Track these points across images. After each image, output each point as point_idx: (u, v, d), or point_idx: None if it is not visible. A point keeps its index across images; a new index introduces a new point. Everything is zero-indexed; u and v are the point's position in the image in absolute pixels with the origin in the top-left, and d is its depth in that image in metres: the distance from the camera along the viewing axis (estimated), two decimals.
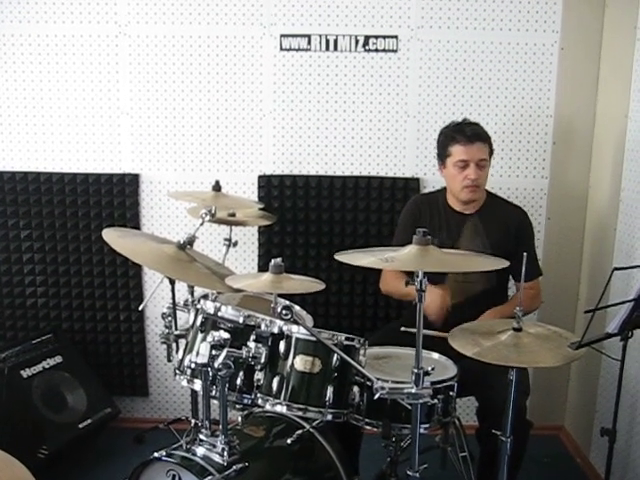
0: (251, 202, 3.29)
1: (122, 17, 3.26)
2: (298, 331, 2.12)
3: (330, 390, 2.10)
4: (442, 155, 2.78)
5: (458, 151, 2.70)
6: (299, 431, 2.29)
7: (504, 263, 2.01)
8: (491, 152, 2.78)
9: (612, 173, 3.07)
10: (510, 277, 2.87)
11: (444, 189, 2.89)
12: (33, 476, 1.53)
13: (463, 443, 2.80)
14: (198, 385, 2.19)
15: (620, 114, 2.95)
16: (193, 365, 2.04)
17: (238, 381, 2.16)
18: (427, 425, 2.14)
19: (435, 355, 2.37)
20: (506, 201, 2.94)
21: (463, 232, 2.80)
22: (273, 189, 3.36)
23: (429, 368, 1.92)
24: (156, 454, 2.07)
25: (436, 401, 2.13)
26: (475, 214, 2.81)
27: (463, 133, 2.71)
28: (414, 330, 1.88)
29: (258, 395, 2.15)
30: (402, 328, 2.40)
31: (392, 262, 1.92)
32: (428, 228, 1.95)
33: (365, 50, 3.26)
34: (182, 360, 2.29)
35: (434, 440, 2.78)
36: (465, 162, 2.69)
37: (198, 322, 2.28)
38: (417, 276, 1.85)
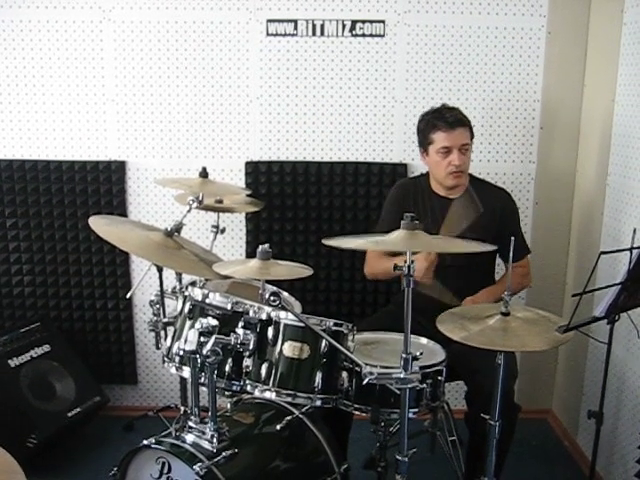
0: (238, 188, 3.28)
1: (106, 2, 3.22)
2: (286, 317, 2.12)
3: (319, 376, 2.11)
4: (424, 143, 2.77)
5: (440, 138, 2.69)
6: (288, 417, 2.29)
7: (491, 247, 2.02)
8: (472, 136, 2.77)
9: (599, 157, 3.08)
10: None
11: (427, 173, 2.88)
12: (22, 465, 1.52)
13: (452, 427, 2.83)
14: (187, 372, 2.20)
15: (607, 98, 2.95)
16: (181, 352, 2.05)
17: (227, 368, 2.17)
18: (416, 410, 2.14)
19: (423, 340, 2.38)
20: (489, 183, 2.94)
21: (448, 217, 2.79)
22: (260, 175, 3.35)
23: (417, 353, 1.92)
24: (145, 442, 2.08)
25: (425, 386, 2.13)
26: (459, 198, 2.81)
27: (444, 119, 2.69)
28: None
29: (247, 381, 2.16)
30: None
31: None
32: (413, 213, 1.95)
33: (352, 35, 3.24)
34: (170, 347, 2.29)
35: (423, 425, 2.81)
36: (448, 148, 2.68)
37: (186, 309, 2.28)
38: (405, 261, 1.85)
